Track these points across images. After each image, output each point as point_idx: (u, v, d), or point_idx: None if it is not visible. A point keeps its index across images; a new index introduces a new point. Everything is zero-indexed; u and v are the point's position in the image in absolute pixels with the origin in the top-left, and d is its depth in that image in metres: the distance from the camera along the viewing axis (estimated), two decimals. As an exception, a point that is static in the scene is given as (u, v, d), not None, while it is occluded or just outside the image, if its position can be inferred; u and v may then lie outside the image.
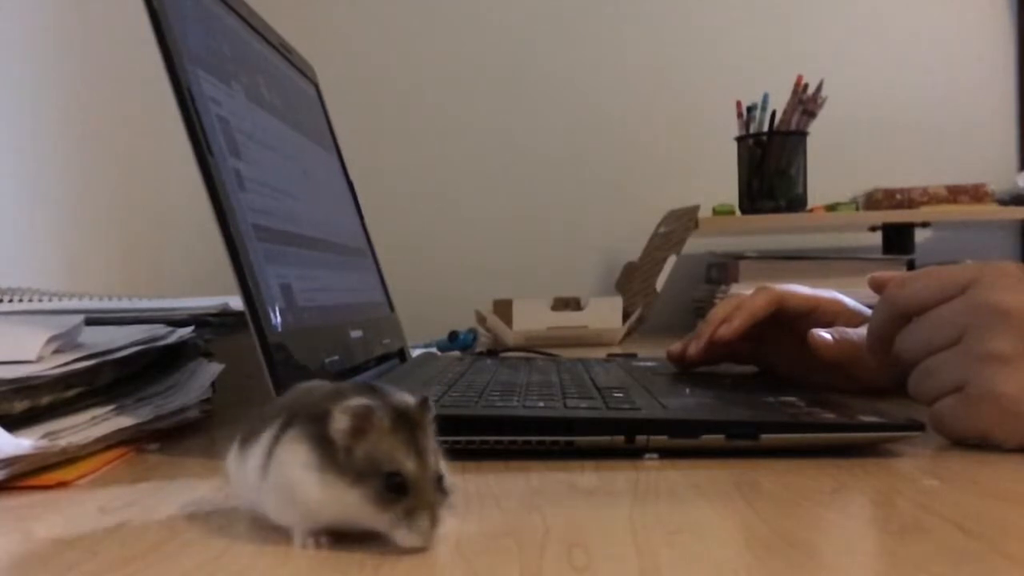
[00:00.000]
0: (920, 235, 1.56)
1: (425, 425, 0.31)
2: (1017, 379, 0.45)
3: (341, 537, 0.33)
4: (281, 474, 0.31)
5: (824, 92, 1.43)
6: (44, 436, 0.43)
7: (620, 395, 0.55)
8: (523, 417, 0.47)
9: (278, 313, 0.50)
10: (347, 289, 0.70)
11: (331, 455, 0.30)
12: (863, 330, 0.56)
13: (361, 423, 0.30)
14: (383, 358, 0.73)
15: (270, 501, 0.32)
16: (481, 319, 1.34)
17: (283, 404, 0.34)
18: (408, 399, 0.32)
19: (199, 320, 0.62)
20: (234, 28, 0.62)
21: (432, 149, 1.71)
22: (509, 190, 1.70)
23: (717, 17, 1.70)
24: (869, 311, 0.60)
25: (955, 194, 1.49)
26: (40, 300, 0.75)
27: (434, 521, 0.30)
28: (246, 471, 0.33)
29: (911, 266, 1.42)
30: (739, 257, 1.42)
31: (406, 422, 0.31)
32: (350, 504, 0.30)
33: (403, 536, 0.30)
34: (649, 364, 0.80)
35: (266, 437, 0.32)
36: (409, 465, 0.30)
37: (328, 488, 0.30)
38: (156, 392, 0.55)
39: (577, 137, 1.70)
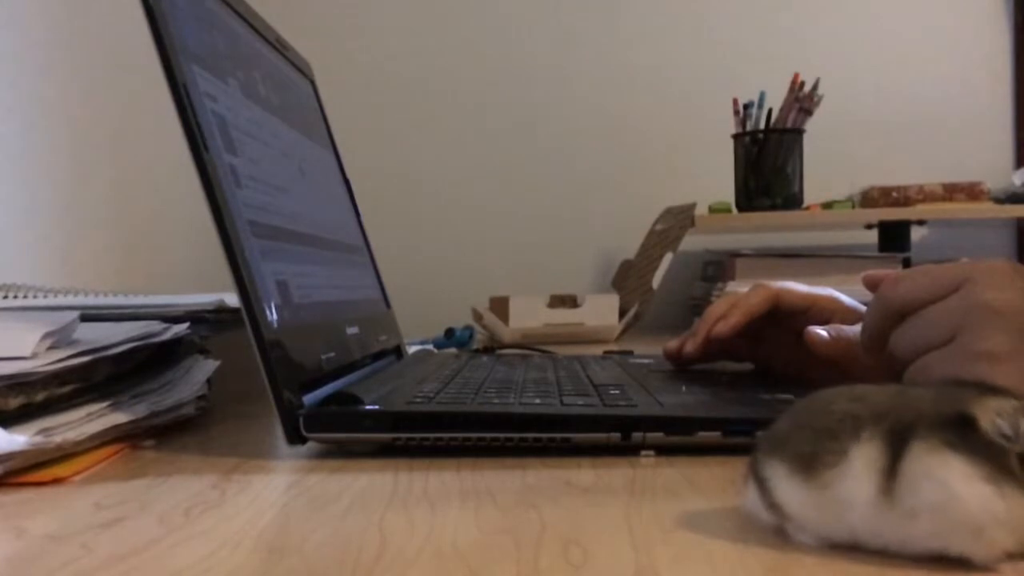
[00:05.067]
0: (916, 233, 1.56)
1: None
2: (1010, 377, 0.45)
3: (336, 535, 0.33)
4: (935, 494, 0.27)
5: (820, 90, 1.43)
6: (39, 432, 0.43)
7: (616, 392, 0.55)
8: (519, 414, 0.47)
9: (274, 310, 0.50)
10: (343, 286, 0.70)
11: (1003, 463, 0.26)
12: (859, 328, 0.56)
13: None
14: (379, 355, 0.73)
15: (914, 528, 0.27)
16: (477, 316, 1.34)
17: (861, 413, 0.29)
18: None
19: (195, 317, 0.62)
20: (230, 24, 0.61)
21: (429, 146, 1.70)
22: (505, 187, 1.70)
23: (714, 15, 1.70)
24: (865, 308, 0.60)
25: (951, 192, 1.49)
26: (35, 296, 0.75)
27: None
28: (835, 498, 0.28)
29: (907, 264, 1.43)
30: (735, 254, 1.42)
31: None
32: None
33: None
34: (645, 361, 0.80)
35: (867, 454, 0.28)
36: None
37: (1010, 501, 0.26)
38: (152, 389, 0.54)
39: (574, 134, 1.70)
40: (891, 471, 0.27)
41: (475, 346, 1.16)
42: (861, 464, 0.28)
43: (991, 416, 0.27)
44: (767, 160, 1.45)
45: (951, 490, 0.26)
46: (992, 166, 1.64)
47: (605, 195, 1.69)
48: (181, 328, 0.58)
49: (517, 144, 1.70)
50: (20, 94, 1.14)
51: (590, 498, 0.38)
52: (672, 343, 0.74)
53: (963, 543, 0.27)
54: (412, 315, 1.07)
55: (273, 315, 0.49)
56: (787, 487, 0.30)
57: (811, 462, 0.29)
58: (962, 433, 0.27)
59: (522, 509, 0.36)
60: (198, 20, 0.54)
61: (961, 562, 0.27)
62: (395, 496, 0.38)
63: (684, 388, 0.60)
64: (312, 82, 0.86)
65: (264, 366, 0.46)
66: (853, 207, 1.52)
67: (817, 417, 0.30)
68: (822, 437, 0.29)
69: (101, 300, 0.73)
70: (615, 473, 0.43)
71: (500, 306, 1.28)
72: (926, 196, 1.48)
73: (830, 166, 1.56)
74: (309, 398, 0.49)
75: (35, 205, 1.17)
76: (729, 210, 1.48)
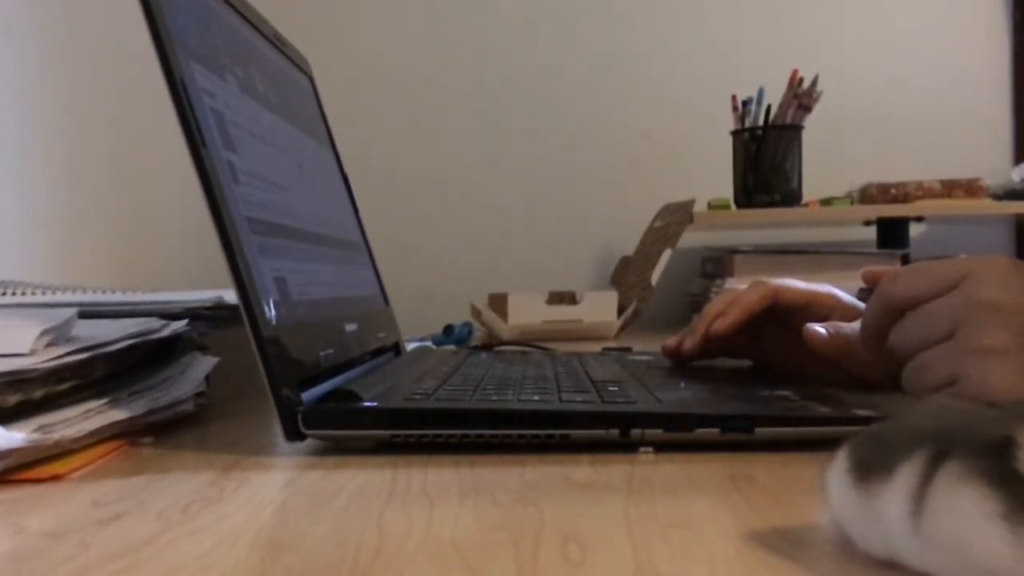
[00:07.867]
0: (914, 229, 1.56)
1: None
2: (1009, 373, 0.45)
3: (335, 532, 0.33)
4: (950, 525, 0.24)
5: (819, 86, 1.43)
6: (37, 429, 0.43)
7: (615, 389, 0.55)
8: (518, 411, 0.47)
9: (272, 306, 0.50)
10: (342, 283, 0.70)
11: (1021, 499, 0.23)
12: (857, 324, 0.56)
13: None
14: (378, 352, 0.73)
15: (934, 558, 0.25)
16: (476, 313, 1.34)
17: (925, 429, 0.27)
18: None
19: (193, 313, 0.62)
20: (228, 20, 0.61)
21: (427, 142, 1.70)
22: (504, 184, 1.70)
23: (713, 11, 1.70)
24: (864, 305, 0.60)
25: (949, 189, 1.49)
26: (33, 293, 0.75)
27: None
28: (877, 512, 0.27)
29: (905, 261, 1.43)
30: (734, 251, 1.42)
31: None
32: None
33: None
34: (644, 358, 0.80)
35: (908, 472, 0.26)
36: None
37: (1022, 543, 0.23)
38: (150, 385, 0.54)
39: (573, 131, 1.70)
40: (921, 495, 0.25)
41: (474, 343, 1.16)
42: (903, 483, 0.26)
43: None
44: (766, 157, 1.45)
45: (962, 524, 0.24)
46: (991, 163, 1.64)
47: (604, 192, 1.69)
48: (179, 325, 0.58)
49: (515, 141, 1.70)
50: (17, 91, 1.14)
51: (589, 495, 0.38)
52: (671, 340, 0.74)
53: None
54: (411, 312, 1.07)
55: (271, 312, 0.49)
56: (838, 486, 0.29)
57: (866, 470, 0.27)
58: (998, 460, 0.23)
59: (521, 506, 0.36)
60: (196, 16, 0.54)
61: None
62: (394, 493, 0.38)
63: (683, 385, 0.60)
64: (311, 79, 0.86)
65: (262, 363, 0.46)
66: (852, 204, 1.52)
67: (897, 427, 0.28)
68: (885, 448, 0.27)
69: (99, 297, 0.73)
70: (614, 470, 0.43)
71: (499, 303, 1.28)
72: (925, 193, 1.48)
73: (829, 163, 1.56)
74: (308, 395, 0.49)
75: (33, 201, 1.16)
76: (728, 207, 1.48)
